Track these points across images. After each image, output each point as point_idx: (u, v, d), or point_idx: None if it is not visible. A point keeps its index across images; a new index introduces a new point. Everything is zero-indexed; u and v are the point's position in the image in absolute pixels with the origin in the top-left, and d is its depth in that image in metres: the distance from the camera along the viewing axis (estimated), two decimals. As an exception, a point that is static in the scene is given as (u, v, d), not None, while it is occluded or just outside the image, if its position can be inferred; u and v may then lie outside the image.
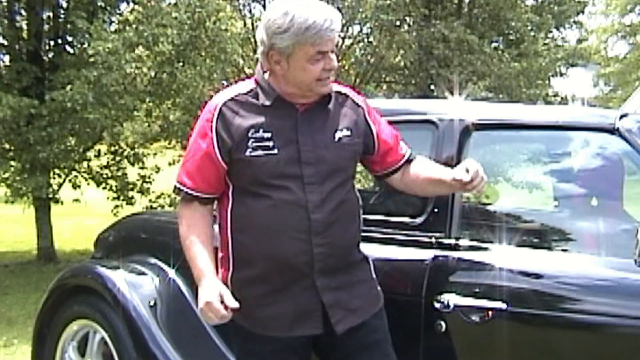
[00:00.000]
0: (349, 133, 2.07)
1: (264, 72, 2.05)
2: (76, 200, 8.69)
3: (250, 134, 1.96)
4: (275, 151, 1.96)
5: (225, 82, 10.13)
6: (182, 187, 2.05)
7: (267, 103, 2.00)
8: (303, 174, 1.96)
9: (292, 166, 1.96)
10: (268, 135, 1.97)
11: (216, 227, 2.08)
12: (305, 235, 1.95)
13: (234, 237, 2.00)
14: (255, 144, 1.96)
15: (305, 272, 1.97)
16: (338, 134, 2.04)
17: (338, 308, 2.00)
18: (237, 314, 1.94)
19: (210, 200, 2.06)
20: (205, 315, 1.95)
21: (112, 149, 8.91)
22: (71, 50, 8.39)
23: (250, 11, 12.79)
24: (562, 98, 13.61)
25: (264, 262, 1.96)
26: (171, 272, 2.76)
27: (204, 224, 2.05)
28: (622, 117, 2.17)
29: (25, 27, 8.25)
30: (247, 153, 1.95)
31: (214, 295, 1.91)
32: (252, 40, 11.97)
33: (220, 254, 2.06)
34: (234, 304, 1.91)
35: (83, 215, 12.21)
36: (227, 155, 1.98)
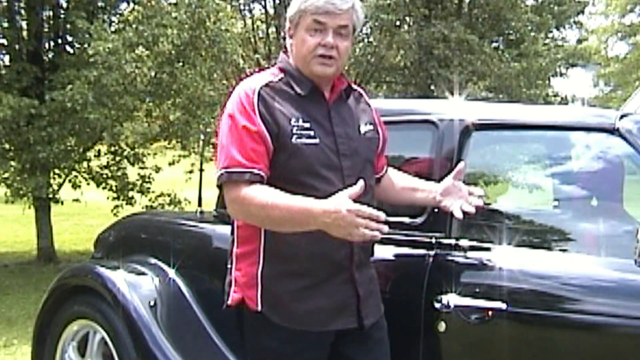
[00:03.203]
0: (371, 127, 2.09)
1: (288, 57, 2.05)
2: (76, 200, 8.70)
3: (292, 122, 1.93)
4: (317, 140, 1.94)
5: (225, 83, 10.14)
6: (244, 170, 1.86)
7: (303, 93, 1.98)
8: (342, 166, 1.96)
9: (332, 157, 1.95)
10: (308, 124, 1.95)
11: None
12: None
13: (267, 230, 1.94)
14: (298, 132, 1.93)
15: (345, 266, 1.97)
16: (362, 128, 2.06)
17: (367, 302, 2.01)
18: (270, 310, 1.92)
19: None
20: (353, 223, 1.70)
21: (112, 149, 8.92)
22: (71, 50, 8.40)
23: (250, 11, 12.81)
24: (562, 98, 13.62)
25: (306, 256, 1.93)
26: (171, 272, 2.76)
27: (266, 187, 1.87)
28: (622, 117, 2.16)
29: (25, 27, 8.26)
30: (294, 140, 1.91)
31: (347, 200, 1.72)
32: (252, 40, 11.99)
33: (238, 249, 2.00)
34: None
35: (83, 215, 12.22)
36: (275, 140, 1.91)
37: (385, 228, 1.73)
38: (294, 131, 1.93)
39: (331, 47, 1.95)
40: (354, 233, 1.72)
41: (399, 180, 2.26)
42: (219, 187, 1.98)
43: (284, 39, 2.09)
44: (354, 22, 2.01)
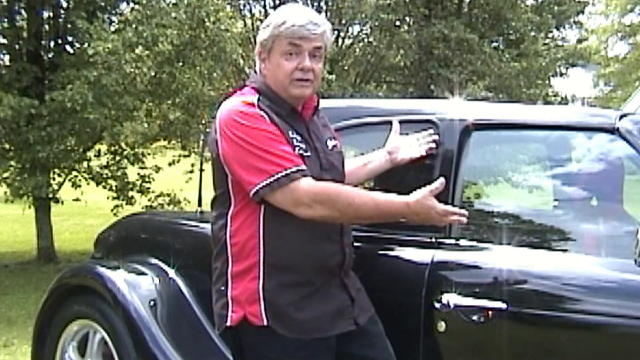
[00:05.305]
0: (335, 142, 2.14)
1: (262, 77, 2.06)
2: (76, 200, 8.70)
3: (290, 134, 1.97)
4: (310, 154, 1.99)
5: (226, 83, 10.12)
6: (299, 167, 1.90)
7: (283, 113, 2.00)
8: (325, 179, 1.99)
9: (318, 171, 1.99)
10: (299, 137, 1.99)
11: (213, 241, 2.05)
12: (339, 235, 2.02)
13: (267, 243, 1.95)
14: (297, 144, 1.96)
15: (336, 272, 2.03)
16: (329, 143, 2.11)
17: (358, 302, 2.07)
18: (276, 323, 1.93)
19: None
20: (448, 218, 1.94)
21: (112, 149, 8.91)
22: (71, 50, 8.40)
23: (250, 11, 12.79)
24: (562, 98, 13.60)
25: (305, 265, 1.96)
26: (171, 272, 2.76)
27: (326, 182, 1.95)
28: (622, 117, 2.16)
29: (25, 27, 8.26)
30: (297, 152, 1.95)
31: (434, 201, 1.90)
32: (252, 40, 11.98)
33: (235, 267, 1.99)
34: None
35: (83, 215, 12.22)
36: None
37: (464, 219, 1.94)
38: (295, 143, 1.95)
39: (308, 70, 1.97)
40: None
41: (350, 165, 2.29)
42: (260, 201, 1.92)
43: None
44: (326, 43, 2.04)
